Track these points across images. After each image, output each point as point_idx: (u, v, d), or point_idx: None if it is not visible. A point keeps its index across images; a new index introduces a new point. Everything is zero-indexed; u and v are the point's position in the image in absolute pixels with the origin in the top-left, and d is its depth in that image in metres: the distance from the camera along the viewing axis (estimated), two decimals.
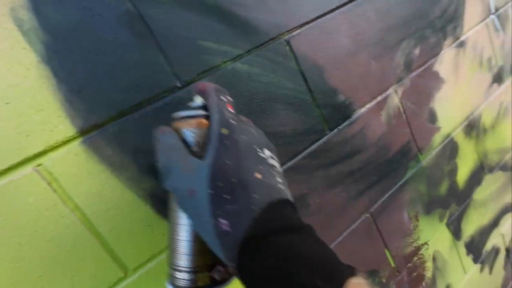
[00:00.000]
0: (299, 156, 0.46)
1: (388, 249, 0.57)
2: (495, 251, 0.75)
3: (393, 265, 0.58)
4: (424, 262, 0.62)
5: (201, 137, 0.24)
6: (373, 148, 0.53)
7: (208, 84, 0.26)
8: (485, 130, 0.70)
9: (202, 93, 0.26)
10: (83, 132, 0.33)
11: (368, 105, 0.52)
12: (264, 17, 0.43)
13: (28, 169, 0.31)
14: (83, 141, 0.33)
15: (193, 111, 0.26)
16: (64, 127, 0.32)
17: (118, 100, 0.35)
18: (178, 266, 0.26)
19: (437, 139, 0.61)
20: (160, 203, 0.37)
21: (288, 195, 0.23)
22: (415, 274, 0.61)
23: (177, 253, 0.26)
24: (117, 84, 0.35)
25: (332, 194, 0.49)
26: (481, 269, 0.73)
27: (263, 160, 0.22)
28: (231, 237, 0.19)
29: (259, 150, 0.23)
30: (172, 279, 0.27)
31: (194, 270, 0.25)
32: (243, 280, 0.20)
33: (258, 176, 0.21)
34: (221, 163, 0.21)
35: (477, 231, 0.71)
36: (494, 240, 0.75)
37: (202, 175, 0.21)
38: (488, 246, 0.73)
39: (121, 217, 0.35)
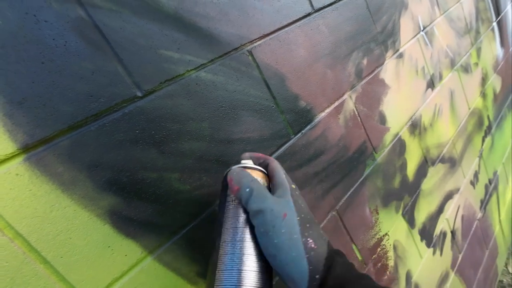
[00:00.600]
0: None
1: (354, 244, 0.60)
2: (443, 234, 0.84)
3: (360, 258, 0.61)
4: (386, 252, 0.66)
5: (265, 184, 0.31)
6: (334, 149, 0.57)
7: (268, 156, 0.35)
8: (425, 129, 0.79)
9: (261, 158, 0.34)
10: (27, 149, 0.29)
11: (327, 110, 0.56)
12: (226, 29, 0.44)
13: None
14: (27, 158, 0.29)
15: (256, 166, 0.32)
16: (1, 144, 0.28)
17: (69, 112, 0.32)
18: None
19: (388, 138, 0.68)
20: (122, 220, 0.34)
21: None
22: (379, 264, 0.65)
23: (244, 285, 0.25)
24: (67, 95, 0.31)
25: None
26: (434, 252, 0.81)
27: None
28: (317, 252, 0.25)
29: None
30: None
31: None
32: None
33: (316, 220, 0.29)
34: (298, 203, 0.28)
35: (427, 218, 0.79)
36: (441, 225, 0.84)
37: (290, 205, 0.27)
38: (437, 230, 0.82)
39: (74, 241, 0.31)
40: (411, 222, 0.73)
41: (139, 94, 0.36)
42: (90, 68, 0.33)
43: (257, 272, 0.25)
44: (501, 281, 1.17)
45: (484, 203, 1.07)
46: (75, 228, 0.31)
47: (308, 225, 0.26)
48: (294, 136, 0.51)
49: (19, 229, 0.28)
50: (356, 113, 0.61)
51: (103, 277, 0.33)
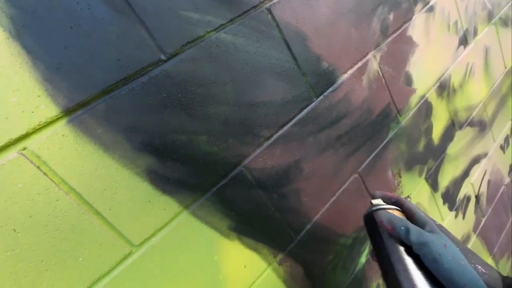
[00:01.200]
0: (290, 124, 0.46)
1: None
2: (467, 199, 0.82)
3: None
4: None
5: None
6: (358, 112, 0.55)
7: (399, 196, 0.39)
8: (454, 90, 0.74)
9: (397, 199, 0.38)
10: (68, 112, 0.31)
11: (350, 71, 0.53)
12: None
13: (12, 153, 0.29)
14: (69, 120, 0.31)
15: (392, 206, 0.36)
16: (46, 107, 0.30)
17: (101, 77, 0.32)
18: None
19: (414, 100, 0.64)
20: (159, 178, 0.36)
21: None
22: None
23: None
24: (97, 60, 0.32)
25: (323, 158, 0.51)
26: (456, 216, 0.80)
27: None
28: (490, 276, 0.27)
29: None
30: None
31: None
32: None
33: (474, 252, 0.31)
34: (448, 236, 0.30)
35: (451, 182, 0.77)
36: (465, 189, 0.81)
37: (445, 237, 0.30)
38: (461, 195, 0.80)
39: (119, 195, 0.34)
40: (434, 185, 0.72)
41: (163, 57, 0.36)
42: (116, 32, 0.33)
43: None
44: None
45: None
46: (118, 185, 0.34)
47: (470, 255, 0.29)
48: (316, 99, 0.49)
49: (72, 184, 0.31)
50: (381, 74, 0.58)
51: (146, 228, 0.36)
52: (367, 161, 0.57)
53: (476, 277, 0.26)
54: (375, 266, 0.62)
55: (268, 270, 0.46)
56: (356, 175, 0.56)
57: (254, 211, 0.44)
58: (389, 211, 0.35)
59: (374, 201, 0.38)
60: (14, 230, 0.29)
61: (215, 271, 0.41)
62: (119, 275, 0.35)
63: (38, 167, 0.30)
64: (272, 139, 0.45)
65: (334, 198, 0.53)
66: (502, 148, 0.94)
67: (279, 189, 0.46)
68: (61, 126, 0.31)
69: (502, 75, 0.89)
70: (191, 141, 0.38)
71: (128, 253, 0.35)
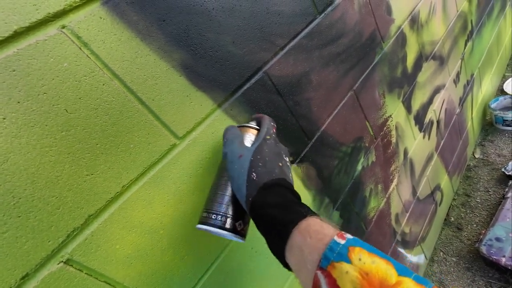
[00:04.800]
0: (299, 36, 0.49)
1: (368, 121, 0.67)
2: (431, 122, 0.96)
3: (371, 133, 0.69)
4: (390, 130, 0.76)
5: (253, 139, 0.36)
6: (351, 33, 0.59)
7: (265, 115, 0.39)
8: (422, 25, 0.82)
9: (260, 118, 0.38)
10: None
11: None
12: None
13: (52, 30, 0.27)
14: (105, 2, 0.30)
15: (253, 125, 0.37)
16: None
17: None
18: (215, 211, 0.33)
19: (393, 29, 0.71)
20: (194, 74, 0.37)
21: (292, 182, 0.34)
22: (385, 140, 0.75)
23: (217, 202, 0.34)
24: None
25: (327, 73, 0.55)
26: (424, 136, 0.93)
27: (284, 160, 0.35)
28: (255, 183, 0.31)
29: (283, 154, 0.36)
30: (205, 219, 0.33)
31: (226, 215, 0.33)
32: (253, 212, 0.30)
33: (280, 164, 0.33)
34: (262, 149, 0.33)
35: (420, 107, 0.88)
36: (430, 114, 0.94)
37: (249, 149, 0.33)
38: (427, 119, 0.93)
39: (160, 86, 0.34)
40: (408, 108, 0.82)
41: None
42: None
43: (229, 196, 0.34)
44: (468, 165, 1.38)
45: (462, 101, 1.18)
46: (158, 76, 0.34)
47: (260, 164, 0.32)
48: (319, 16, 0.52)
49: (114, 69, 0.31)
50: (368, 0, 0.62)
51: (187, 121, 0.37)
52: (360, 79, 0.63)
53: (243, 183, 0.31)
54: (369, 172, 0.71)
55: None
56: (352, 92, 0.62)
57: (275, 114, 0.47)
58: (244, 129, 0.37)
59: (251, 122, 0.39)
60: (66, 111, 0.28)
61: None
62: (168, 163, 0.36)
63: (80, 48, 0.28)
64: (285, 49, 0.47)
65: (336, 110, 0.59)
66: (455, 82, 1.09)
67: (294, 97, 0.50)
68: (97, 7, 0.29)
69: (455, 17, 1.01)
70: (218, 40, 0.39)
71: (173, 144, 0.36)
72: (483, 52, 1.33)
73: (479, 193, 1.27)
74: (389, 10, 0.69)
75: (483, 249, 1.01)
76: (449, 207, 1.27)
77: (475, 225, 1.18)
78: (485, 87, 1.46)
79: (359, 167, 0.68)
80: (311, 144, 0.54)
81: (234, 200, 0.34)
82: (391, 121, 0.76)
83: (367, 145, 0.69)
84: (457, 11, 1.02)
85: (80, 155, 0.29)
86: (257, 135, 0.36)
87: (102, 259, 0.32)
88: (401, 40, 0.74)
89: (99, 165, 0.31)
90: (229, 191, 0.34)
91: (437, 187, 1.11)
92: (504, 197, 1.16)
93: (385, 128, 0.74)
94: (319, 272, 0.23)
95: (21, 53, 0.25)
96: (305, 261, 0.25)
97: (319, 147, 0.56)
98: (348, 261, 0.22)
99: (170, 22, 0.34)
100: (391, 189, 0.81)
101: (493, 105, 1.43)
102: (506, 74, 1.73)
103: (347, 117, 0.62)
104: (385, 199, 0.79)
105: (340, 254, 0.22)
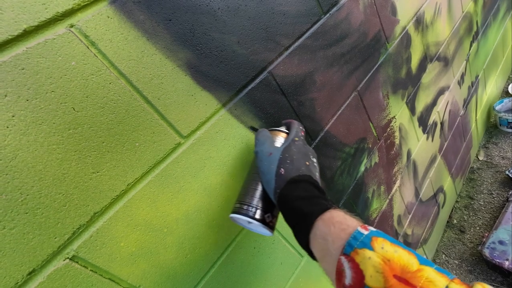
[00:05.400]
0: (304, 36, 0.49)
1: (371, 122, 0.67)
2: (434, 124, 0.95)
3: (375, 134, 0.69)
4: (394, 132, 0.76)
5: (282, 142, 0.39)
6: (356, 34, 0.59)
7: (294, 120, 0.42)
8: (427, 26, 0.82)
9: (290, 123, 0.41)
10: None
11: None
12: None
13: (61, 29, 0.27)
14: (112, 2, 0.30)
15: (283, 129, 0.40)
16: None
17: None
18: (247, 202, 0.36)
19: (398, 30, 0.70)
20: (199, 74, 0.37)
21: (319, 180, 0.35)
22: (389, 141, 0.75)
23: (249, 195, 0.37)
24: None
25: (331, 73, 0.55)
26: (427, 138, 0.92)
27: (312, 160, 0.36)
28: (283, 177, 0.33)
29: (311, 155, 0.37)
30: (238, 209, 0.36)
31: (257, 207, 0.36)
32: (281, 204, 0.32)
33: (307, 163, 0.35)
34: (290, 148, 0.35)
35: (424, 108, 0.88)
36: (434, 116, 0.94)
37: (277, 149, 0.36)
38: (431, 120, 0.92)
39: (165, 86, 0.34)
40: (412, 110, 0.82)
41: None
42: None
43: (260, 191, 0.37)
44: (472, 167, 1.37)
45: (466, 102, 1.18)
46: (164, 75, 0.34)
47: (288, 161, 0.34)
48: (324, 16, 0.52)
49: (121, 68, 0.31)
50: (373, 0, 0.62)
51: (192, 120, 0.37)
52: (364, 80, 0.63)
53: (272, 177, 0.33)
54: (372, 174, 0.71)
55: None
56: (355, 93, 0.62)
57: (279, 114, 0.47)
58: (275, 132, 0.40)
59: (282, 127, 0.41)
60: (73, 109, 0.29)
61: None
62: (173, 162, 0.36)
63: (87, 47, 0.29)
64: (290, 49, 0.47)
65: (339, 111, 0.59)
66: (459, 83, 1.08)
67: (298, 97, 0.50)
68: (105, 7, 0.29)
69: (460, 18, 1.00)
70: (223, 40, 0.39)
71: (178, 143, 0.36)
72: (488, 53, 1.32)
73: (482, 195, 1.26)
74: (394, 11, 0.69)
75: (486, 252, 1.00)
76: (452, 209, 1.26)
77: (478, 228, 1.17)
78: (490, 89, 1.45)
79: (362, 168, 0.68)
80: (314, 144, 0.54)
81: (264, 194, 0.36)
82: (395, 122, 0.75)
83: (370, 146, 0.69)
84: (463, 12, 1.01)
85: (87, 153, 0.30)
86: (287, 137, 0.39)
87: (107, 256, 0.32)
88: (406, 41, 0.74)
89: (105, 163, 0.31)
90: (259, 186, 0.37)
91: (440, 189, 1.10)
92: (508, 200, 1.15)
93: (388, 129, 0.74)
94: (342, 258, 0.24)
95: (30, 52, 0.26)
96: (328, 249, 0.26)
97: (323, 148, 0.56)
98: (371, 248, 0.22)
99: (176, 22, 0.35)
100: (393, 190, 0.81)
101: (497, 107, 1.42)
102: (511, 76, 1.72)
103: (350, 117, 0.62)
104: (387, 201, 0.79)
105: (363, 243, 0.23)
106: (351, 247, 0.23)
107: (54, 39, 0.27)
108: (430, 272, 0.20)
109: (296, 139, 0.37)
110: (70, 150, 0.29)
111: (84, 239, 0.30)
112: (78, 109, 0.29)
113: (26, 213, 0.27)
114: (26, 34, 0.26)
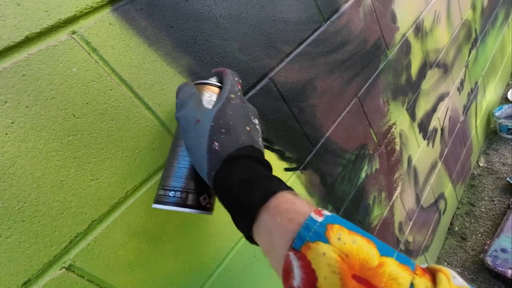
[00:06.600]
0: (305, 43, 0.49)
1: (372, 128, 0.68)
2: (435, 130, 0.96)
3: (375, 140, 0.69)
4: (394, 138, 0.76)
5: (213, 100, 0.30)
6: (356, 41, 0.60)
7: (226, 68, 0.32)
8: (426, 33, 0.83)
9: (221, 73, 0.32)
10: (112, 0, 0.30)
11: (350, 1, 0.57)
12: None
13: (62, 35, 0.27)
14: (115, 9, 0.30)
15: (213, 81, 0.31)
16: None
17: None
18: (172, 187, 0.28)
19: (397, 37, 0.71)
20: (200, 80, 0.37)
21: (262, 149, 0.29)
22: (389, 147, 0.75)
23: (174, 177, 0.28)
24: None
25: (331, 79, 0.55)
26: (427, 144, 0.93)
27: (253, 122, 0.29)
28: (218, 154, 0.26)
29: (251, 115, 0.30)
30: (162, 197, 0.28)
31: (187, 190, 0.28)
32: (217, 188, 0.26)
33: (248, 129, 0.28)
34: (225, 111, 0.27)
35: (424, 114, 0.88)
36: (434, 122, 0.94)
37: (208, 112, 0.27)
38: (431, 126, 0.93)
39: (166, 92, 0.35)
40: (412, 116, 0.82)
41: None
42: None
43: (188, 168, 0.29)
44: (472, 174, 1.37)
45: (466, 109, 1.18)
46: (165, 82, 0.34)
47: (223, 130, 0.26)
48: (325, 23, 0.53)
49: (122, 75, 0.31)
50: (373, 8, 0.63)
51: None
52: (365, 87, 0.63)
53: (203, 155, 0.26)
54: (372, 180, 0.71)
55: (292, 177, 0.51)
56: (356, 99, 0.62)
57: (280, 121, 0.47)
58: (204, 86, 0.30)
59: (212, 78, 0.32)
60: (74, 115, 0.28)
61: None
62: None
63: (89, 54, 0.29)
64: (291, 56, 0.48)
65: (340, 117, 0.59)
66: (459, 90, 1.09)
67: (299, 103, 0.50)
68: (107, 14, 0.30)
69: (459, 25, 1.02)
70: (224, 47, 0.39)
71: None
72: (487, 60, 1.33)
73: (483, 202, 1.26)
74: (394, 18, 0.70)
75: (488, 260, 0.99)
76: (453, 216, 1.26)
77: (479, 235, 1.17)
78: (489, 95, 1.46)
79: (363, 175, 0.68)
80: (315, 150, 0.54)
81: (195, 171, 0.28)
82: (395, 128, 0.76)
83: (371, 152, 0.69)
84: (461, 19, 1.03)
85: (86, 160, 0.30)
86: (219, 94, 0.29)
87: (104, 265, 0.31)
88: (406, 47, 0.75)
89: (104, 170, 0.31)
90: (187, 163, 0.29)
91: (441, 196, 1.10)
92: (509, 207, 1.15)
93: (389, 135, 0.74)
94: (291, 254, 0.20)
95: (31, 58, 0.26)
96: (273, 244, 0.22)
97: (323, 154, 0.56)
98: (326, 240, 0.19)
99: (178, 29, 0.35)
100: (394, 197, 0.80)
101: (497, 114, 1.43)
102: (510, 82, 1.74)
103: (351, 124, 0.62)
104: (388, 207, 0.78)
105: (317, 233, 0.20)
106: (302, 240, 0.20)
107: (56, 45, 0.27)
108: (392, 266, 0.18)
109: (232, 95, 0.28)
110: (69, 157, 0.29)
111: (81, 248, 0.30)
112: (78, 115, 0.29)
113: (23, 221, 0.26)
114: (28, 40, 0.26)
